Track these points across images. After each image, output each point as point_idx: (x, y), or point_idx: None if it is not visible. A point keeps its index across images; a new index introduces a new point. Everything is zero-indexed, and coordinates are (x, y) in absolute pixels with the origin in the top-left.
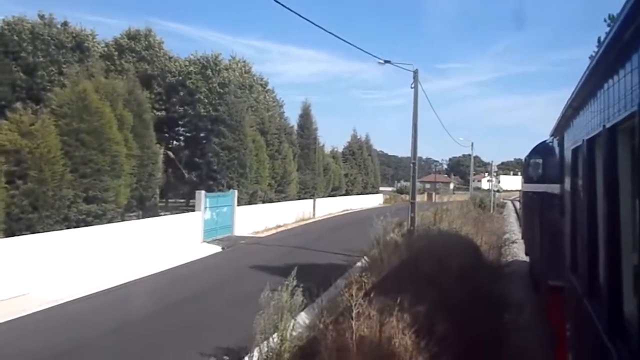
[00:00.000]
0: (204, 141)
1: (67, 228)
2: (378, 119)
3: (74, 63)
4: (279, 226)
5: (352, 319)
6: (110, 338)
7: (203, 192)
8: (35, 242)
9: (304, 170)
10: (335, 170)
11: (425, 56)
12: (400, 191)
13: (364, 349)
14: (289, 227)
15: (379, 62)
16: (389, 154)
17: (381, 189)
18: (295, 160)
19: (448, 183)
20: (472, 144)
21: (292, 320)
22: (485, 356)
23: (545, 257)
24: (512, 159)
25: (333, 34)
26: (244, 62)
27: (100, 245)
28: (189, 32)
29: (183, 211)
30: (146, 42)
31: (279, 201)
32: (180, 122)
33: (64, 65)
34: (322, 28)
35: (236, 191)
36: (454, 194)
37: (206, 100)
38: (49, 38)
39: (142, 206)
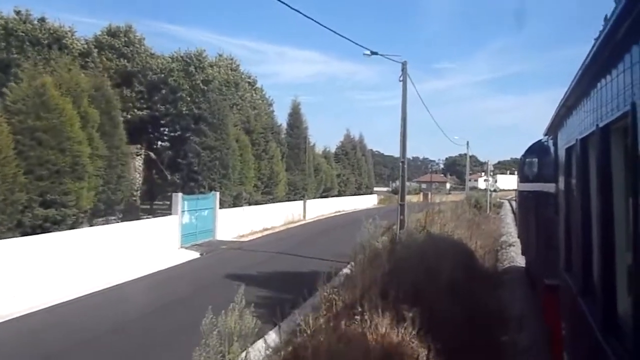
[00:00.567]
0: (188, 141)
1: (23, 235)
2: (374, 119)
3: (51, 60)
4: (266, 229)
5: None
6: None
7: (180, 194)
8: None
9: (294, 170)
10: (327, 170)
11: (421, 56)
12: (396, 191)
13: None
14: (277, 230)
15: (366, 54)
16: (385, 154)
17: (376, 189)
18: (283, 160)
19: (444, 183)
20: (468, 142)
21: (245, 351)
22: None
23: (540, 256)
24: (509, 158)
25: (320, 24)
26: (232, 59)
27: (63, 253)
28: (183, 33)
29: (168, 214)
30: (126, 39)
31: (266, 203)
32: (162, 122)
33: (40, 63)
34: (309, 18)
35: (218, 193)
36: (449, 194)
37: (189, 99)
38: (24, 34)
39: (110, 210)
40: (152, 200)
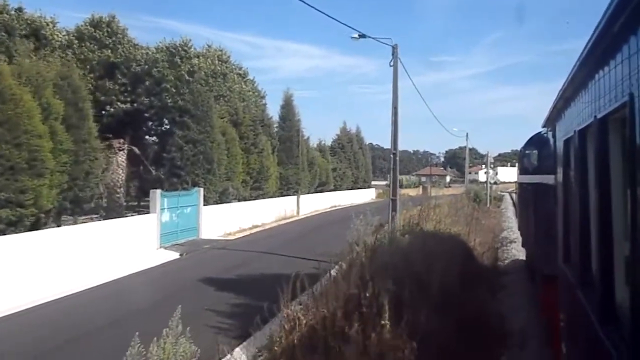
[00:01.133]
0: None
1: None
2: (374, 112)
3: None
4: (256, 226)
5: None
6: None
7: (158, 191)
8: None
9: (286, 164)
10: (322, 164)
11: (420, 49)
12: None
13: None
14: (267, 227)
15: (353, 37)
16: (385, 147)
17: (375, 183)
18: (274, 154)
19: (444, 176)
20: (467, 134)
21: None
22: None
23: (539, 248)
24: (510, 150)
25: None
26: (221, 50)
27: (24, 257)
28: (181, 28)
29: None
30: (108, 29)
31: (256, 199)
32: (146, 115)
33: (16, 54)
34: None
35: (202, 189)
36: (449, 186)
37: (174, 90)
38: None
39: (79, 209)
40: (146, 197)
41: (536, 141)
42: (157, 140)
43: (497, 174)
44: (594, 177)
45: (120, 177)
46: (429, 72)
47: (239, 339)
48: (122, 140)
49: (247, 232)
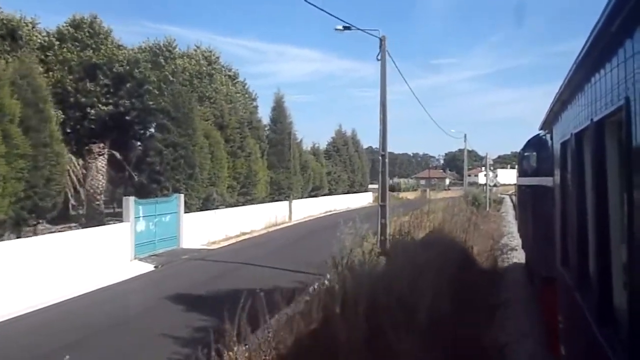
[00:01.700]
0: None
1: None
2: (374, 116)
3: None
4: (244, 234)
5: None
6: None
7: (131, 198)
8: None
9: (277, 168)
10: (316, 167)
11: (419, 52)
12: (392, 189)
13: None
14: (256, 234)
15: (337, 29)
16: None
17: (373, 186)
18: (264, 157)
19: (443, 179)
20: (465, 135)
21: None
22: None
23: (538, 250)
24: (510, 152)
25: None
26: (210, 51)
27: None
28: (184, 35)
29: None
30: (90, 30)
31: (244, 204)
32: (127, 117)
33: None
34: None
35: (182, 195)
36: (449, 189)
37: (157, 92)
38: None
39: (41, 220)
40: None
41: (535, 143)
42: (140, 145)
43: (497, 176)
44: (590, 180)
45: (101, 183)
46: (428, 74)
47: None
48: (102, 145)
49: (233, 241)
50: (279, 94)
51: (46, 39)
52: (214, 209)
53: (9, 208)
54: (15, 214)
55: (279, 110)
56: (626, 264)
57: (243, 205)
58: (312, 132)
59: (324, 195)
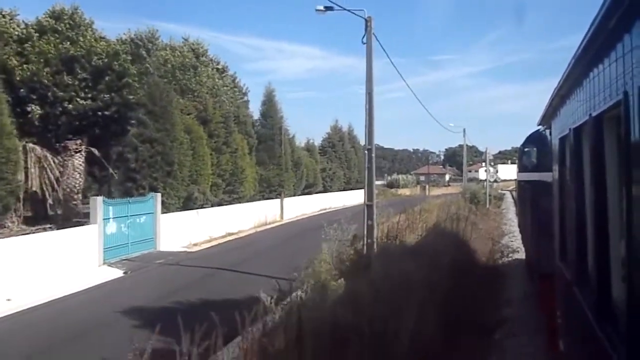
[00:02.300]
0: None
1: None
2: (375, 112)
3: None
4: (230, 234)
5: None
6: None
7: (99, 198)
8: None
9: (268, 165)
10: (309, 164)
11: (420, 48)
12: (391, 185)
13: None
14: (243, 234)
15: (318, 10)
16: (385, 146)
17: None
18: (252, 154)
19: (443, 174)
20: (464, 130)
21: None
22: None
23: (538, 245)
24: (510, 148)
25: None
26: (198, 43)
27: None
28: (186, 32)
29: None
30: (71, 22)
31: (230, 203)
32: (106, 113)
33: None
34: None
35: (159, 195)
36: (449, 185)
37: (137, 85)
38: None
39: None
40: None
41: (535, 139)
42: (118, 141)
43: (497, 171)
44: (589, 175)
45: (78, 182)
46: (428, 71)
47: None
48: (79, 142)
49: (217, 242)
50: (269, 87)
51: (25, 30)
52: (196, 208)
53: None
54: None
55: (269, 104)
56: (624, 259)
57: (230, 204)
58: (311, 130)
59: (319, 192)
